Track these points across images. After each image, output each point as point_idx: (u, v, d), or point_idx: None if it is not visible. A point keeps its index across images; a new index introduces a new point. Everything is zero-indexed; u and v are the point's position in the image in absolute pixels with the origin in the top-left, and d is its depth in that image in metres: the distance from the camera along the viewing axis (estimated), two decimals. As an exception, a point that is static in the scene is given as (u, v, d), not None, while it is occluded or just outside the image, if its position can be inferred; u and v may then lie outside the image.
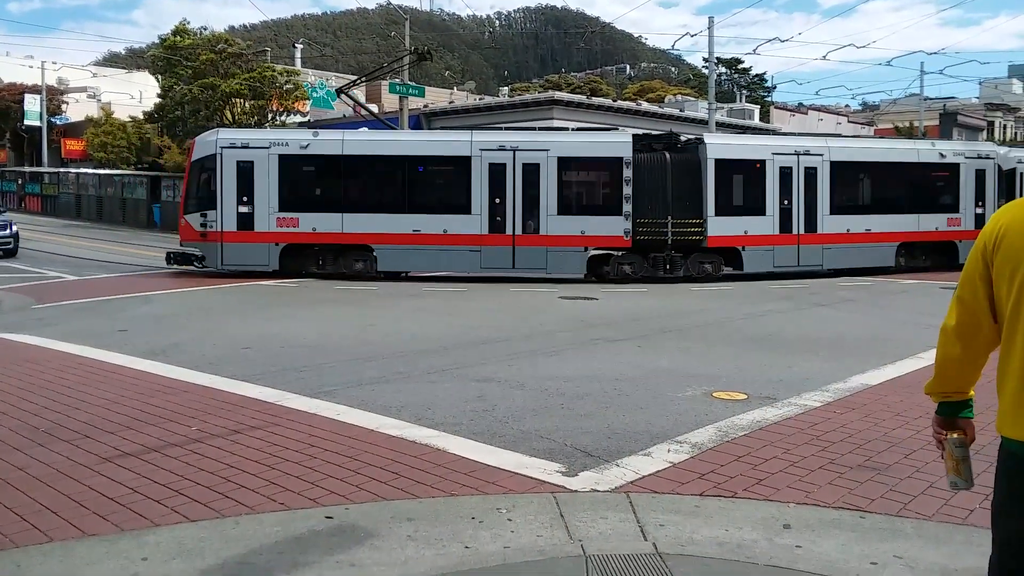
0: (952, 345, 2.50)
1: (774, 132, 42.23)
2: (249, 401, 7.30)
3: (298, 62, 48.32)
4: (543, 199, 18.94)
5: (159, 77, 45.54)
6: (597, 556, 4.01)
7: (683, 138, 20.91)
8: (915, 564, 3.97)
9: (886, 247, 21.23)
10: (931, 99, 59.74)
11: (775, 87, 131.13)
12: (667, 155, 19.53)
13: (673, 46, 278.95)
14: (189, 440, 6.07)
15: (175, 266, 20.47)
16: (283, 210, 19.10)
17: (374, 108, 33.27)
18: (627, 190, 18.94)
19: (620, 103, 36.26)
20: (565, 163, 19.22)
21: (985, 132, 62.02)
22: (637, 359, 9.58)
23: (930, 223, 21.74)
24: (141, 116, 46.58)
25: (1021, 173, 22.93)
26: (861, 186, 21.95)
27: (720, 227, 19.43)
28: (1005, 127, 68.14)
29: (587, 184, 20.52)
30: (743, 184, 20.32)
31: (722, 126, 36.11)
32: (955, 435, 2.58)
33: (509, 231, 18.99)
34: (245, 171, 19.08)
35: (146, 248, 27.45)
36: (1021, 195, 22.27)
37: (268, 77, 37.26)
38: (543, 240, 18.91)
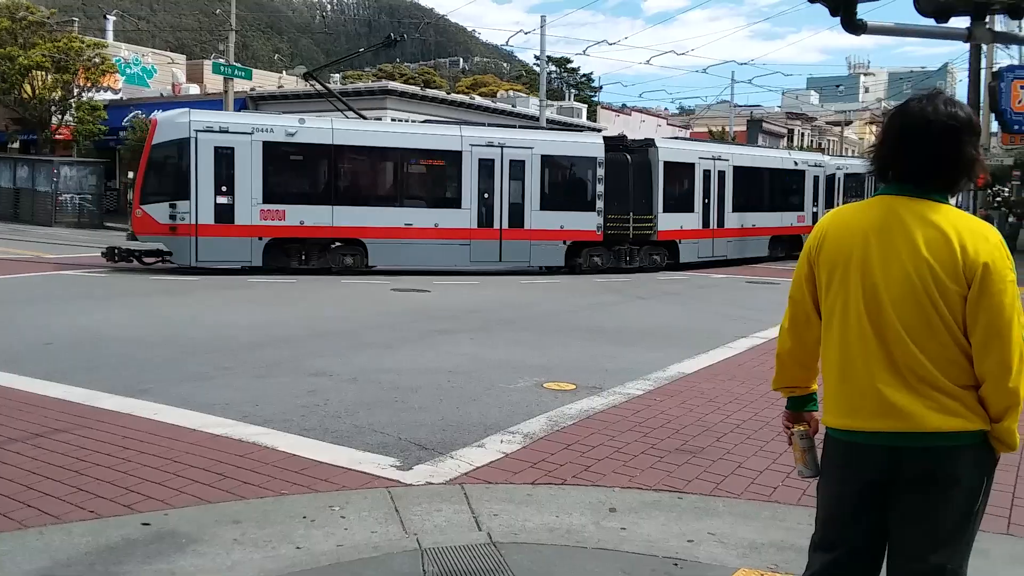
0: (787, 341, 2.70)
1: (599, 131, 44.13)
2: (52, 402, 6.72)
3: (110, 35, 44.87)
4: (528, 195, 19.76)
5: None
6: (433, 549, 4.02)
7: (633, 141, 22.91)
8: (727, 540, 4.27)
9: (763, 240, 25.32)
10: (740, 106, 64.36)
11: (602, 88, 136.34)
12: (628, 156, 21.19)
13: (507, 42, 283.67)
14: (-18, 446, 5.51)
15: (115, 262, 18.01)
16: (268, 202, 17.85)
17: (196, 89, 31.64)
18: (599, 188, 20.45)
19: (454, 96, 36.42)
20: (547, 161, 20.25)
21: (786, 139, 67.43)
22: (471, 351, 9.68)
23: (789, 220, 26.31)
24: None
25: (839, 178, 29.37)
26: (751, 188, 25.13)
27: (666, 223, 21.66)
28: (803, 135, 74.41)
29: (565, 181, 21.45)
30: (681, 184, 22.53)
31: (552, 123, 37.11)
32: (800, 427, 2.77)
33: (497, 225, 19.51)
34: (224, 158, 17.52)
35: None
36: (839, 195, 29.11)
37: (75, 49, 34.36)
38: (527, 234, 19.74)
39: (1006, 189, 39.13)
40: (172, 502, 4.59)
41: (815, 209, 27.35)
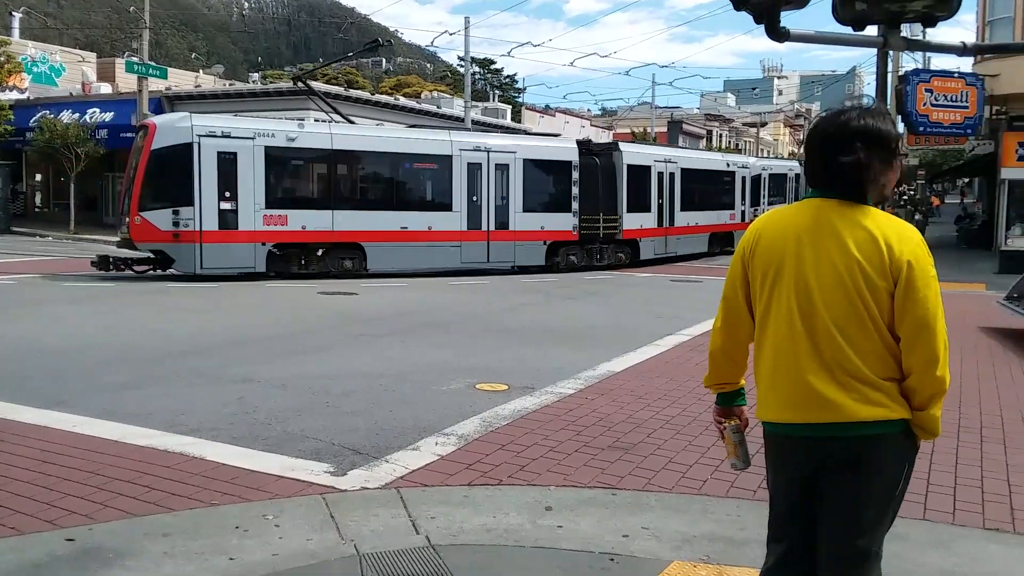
0: (719, 340, 2.80)
1: (526, 132, 44.43)
2: (-37, 416, 6.41)
3: (16, 32, 42.89)
4: (512, 197, 20.72)
5: None
6: (371, 554, 4.00)
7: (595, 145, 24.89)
8: (660, 534, 4.37)
9: (705, 236, 27.28)
10: (660, 108, 65.62)
11: (526, 89, 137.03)
12: (596, 160, 22.42)
13: (432, 43, 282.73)
14: None
15: (107, 271, 17.38)
16: (270, 207, 17.75)
17: (108, 88, 30.53)
18: (575, 190, 21.69)
19: (378, 97, 36.08)
20: (528, 165, 21.06)
21: (705, 140, 69.09)
22: (402, 354, 9.63)
23: (724, 218, 28.47)
24: None
25: (764, 178, 31.88)
26: (694, 189, 26.82)
27: (629, 222, 23.08)
28: (722, 136, 76.37)
29: (545, 184, 22.04)
30: (640, 186, 23.84)
31: (477, 124, 37.14)
32: (732, 422, 2.87)
33: (485, 227, 20.31)
34: (227, 163, 17.23)
35: None
36: (764, 194, 31.88)
37: (-25, 46, 32.75)
38: (512, 235, 20.68)
39: (912, 188, 40.96)
40: (97, 516, 4.44)
41: (743, 207, 29.75)
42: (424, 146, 20.00)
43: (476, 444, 5.90)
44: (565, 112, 63.45)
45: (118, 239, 18.40)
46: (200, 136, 17.11)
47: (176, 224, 16.93)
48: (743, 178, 30.08)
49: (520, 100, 66.31)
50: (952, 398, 7.64)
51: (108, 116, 32.55)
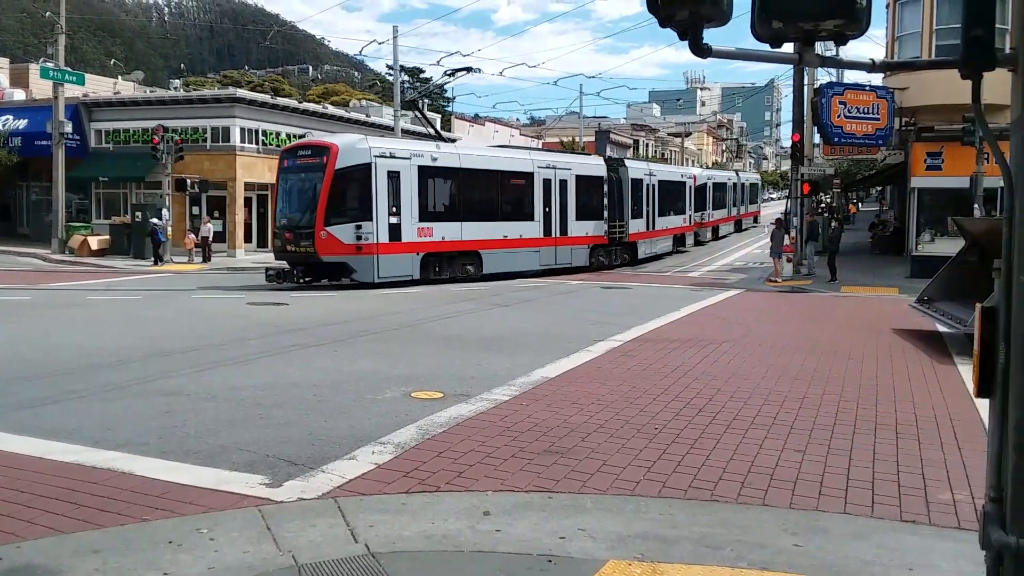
0: None
1: (453, 141, 44.83)
2: None
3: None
4: (569, 208, 24.24)
5: None
6: (310, 565, 3.99)
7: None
8: (596, 534, 4.47)
9: (670, 238, 31.99)
10: (588, 118, 66.48)
11: (455, 98, 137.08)
12: (615, 174, 26.61)
13: (360, 52, 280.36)
14: None
15: (280, 282, 18.92)
16: (422, 220, 19.96)
17: (22, 95, 29.44)
18: (605, 201, 25.81)
19: (306, 105, 35.62)
20: (579, 180, 24.80)
21: (632, 150, 70.26)
22: (335, 364, 9.54)
23: (679, 222, 33.12)
24: None
25: (708, 187, 38.06)
26: (664, 197, 31.01)
27: (632, 227, 27.43)
28: (648, 145, 77.81)
29: (588, 196, 25.49)
30: (637, 196, 28.01)
31: (407, 133, 37.02)
32: None
33: (553, 234, 23.77)
34: (394, 181, 19.34)
35: None
36: (709, 201, 38.98)
37: None
38: (570, 240, 24.37)
39: (828, 196, 42.43)
40: (24, 534, 4.31)
41: (690, 212, 34.87)
42: (516, 164, 23.28)
43: (413, 452, 5.92)
44: (495, 121, 63.73)
45: (288, 251, 19.33)
46: (376, 156, 19.05)
47: (359, 238, 18.68)
48: (689, 187, 34.86)
49: (450, 109, 66.31)
50: (869, 397, 8.00)
51: (22, 123, 31.40)
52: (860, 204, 70.99)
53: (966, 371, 9.18)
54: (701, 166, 67.86)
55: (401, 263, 19.46)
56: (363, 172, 18.77)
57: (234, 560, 4.06)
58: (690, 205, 34.89)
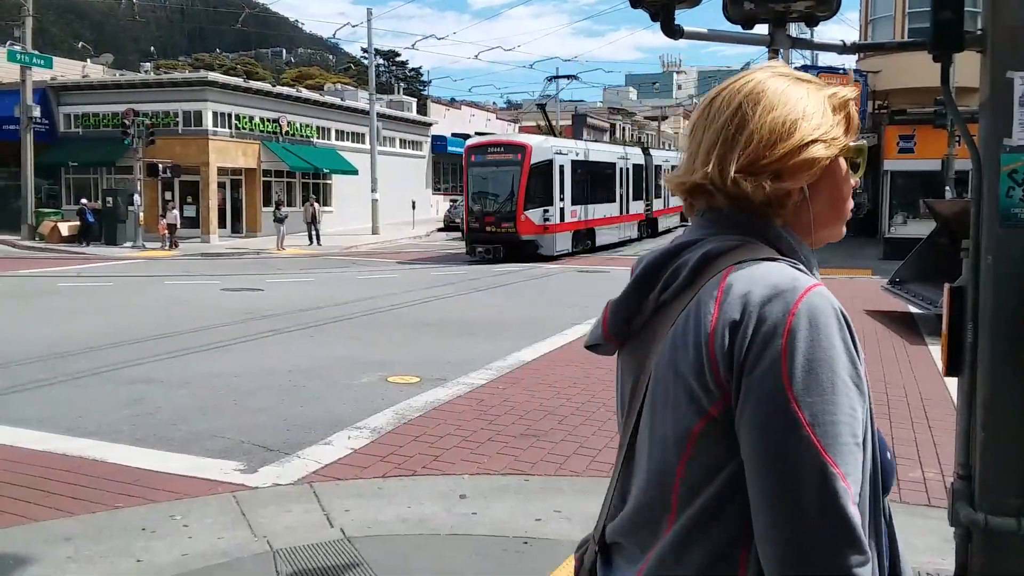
0: None
1: (429, 124, 44.92)
2: None
3: None
4: (630, 191, 29.52)
5: None
6: (285, 550, 3.97)
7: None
8: (572, 516, 4.49)
9: (678, 214, 34.31)
10: (565, 101, 66.29)
11: (431, 81, 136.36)
12: (648, 159, 32.17)
13: (334, 35, 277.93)
14: None
15: (475, 256, 22.42)
16: (573, 204, 24.34)
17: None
18: (645, 184, 31.50)
19: (280, 88, 35.20)
20: (634, 166, 30.14)
21: (608, 133, 70.31)
22: (310, 349, 9.49)
23: (661, 204, 34.03)
24: None
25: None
26: (662, 179, 33.93)
27: (656, 205, 32.73)
28: (625, 129, 77.86)
29: (638, 180, 30.83)
30: (658, 179, 32.75)
31: (382, 117, 36.76)
32: None
33: (622, 212, 28.80)
34: (562, 174, 23.64)
35: None
36: None
37: None
38: (630, 218, 29.73)
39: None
40: (-7, 524, 4.26)
41: (667, 194, 37.47)
42: (611, 156, 28.68)
43: (389, 436, 5.91)
44: (471, 105, 63.39)
45: (488, 232, 22.84)
46: (555, 153, 23.51)
47: (545, 220, 22.73)
48: (667, 169, 38.00)
49: (426, 92, 65.92)
50: (842, 377, 8.08)
51: (-12, 107, 30.70)
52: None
53: (937, 352, 9.29)
54: (679, 150, 68.09)
55: (565, 240, 23.88)
56: (547, 166, 23.07)
57: (208, 546, 4.04)
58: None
